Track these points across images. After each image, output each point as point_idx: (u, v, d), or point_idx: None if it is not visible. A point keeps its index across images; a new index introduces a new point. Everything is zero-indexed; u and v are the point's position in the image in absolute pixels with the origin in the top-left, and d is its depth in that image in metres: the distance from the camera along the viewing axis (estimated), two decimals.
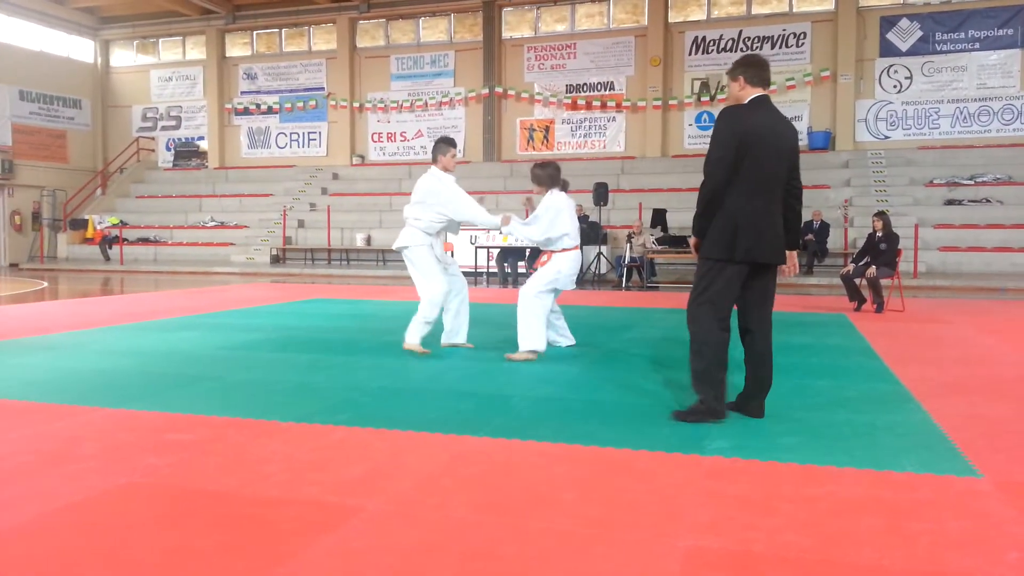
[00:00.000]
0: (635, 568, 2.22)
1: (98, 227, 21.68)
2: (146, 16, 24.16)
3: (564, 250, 5.66)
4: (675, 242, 15.01)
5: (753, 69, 3.83)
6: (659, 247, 14.40)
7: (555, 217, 5.58)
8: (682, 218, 17.05)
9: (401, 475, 3.03)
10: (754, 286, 3.85)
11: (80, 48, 24.67)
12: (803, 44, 19.41)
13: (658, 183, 19.13)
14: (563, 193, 5.74)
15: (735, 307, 3.91)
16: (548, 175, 5.73)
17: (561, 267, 5.65)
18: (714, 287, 3.78)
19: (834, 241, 15.92)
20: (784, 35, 19.53)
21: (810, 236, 15.53)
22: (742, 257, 3.70)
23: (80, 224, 22.30)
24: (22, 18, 22.40)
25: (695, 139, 20.23)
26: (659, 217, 16.15)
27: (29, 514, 2.61)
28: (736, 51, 19.80)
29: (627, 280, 13.81)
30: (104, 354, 5.93)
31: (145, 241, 21.64)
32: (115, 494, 2.81)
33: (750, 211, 3.70)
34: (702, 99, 20.06)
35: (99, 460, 3.21)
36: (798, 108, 19.47)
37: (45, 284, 14.70)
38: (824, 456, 3.25)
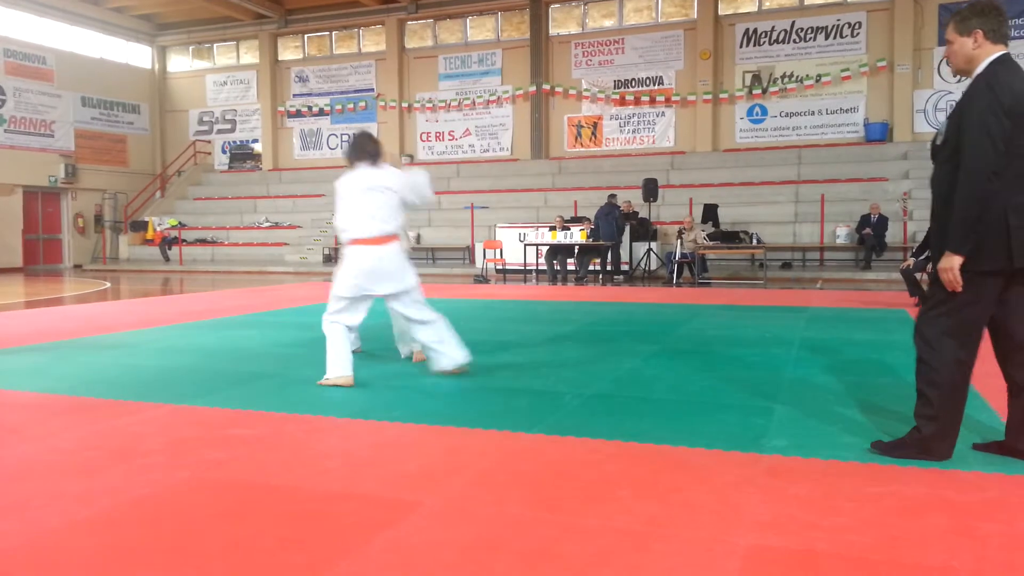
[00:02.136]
0: (695, 566, 2.19)
1: (158, 228, 22.32)
2: (201, 22, 24.74)
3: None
4: (727, 237, 14.81)
5: (993, 19, 2.96)
6: (711, 243, 14.22)
7: (338, 201, 4.67)
8: (734, 213, 16.86)
9: (456, 471, 3.05)
10: (1011, 298, 2.99)
11: (138, 54, 25.39)
12: (858, 34, 18.94)
13: (709, 178, 18.89)
14: (365, 167, 4.70)
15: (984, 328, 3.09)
16: (347, 148, 4.83)
17: (346, 270, 4.63)
18: (967, 306, 2.96)
19: (893, 235, 15.51)
20: (838, 25, 19.08)
21: (868, 230, 15.17)
22: (1014, 265, 2.89)
23: (140, 226, 22.99)
24: (84, 27, 23.15)
25: (747, 133, 19.91)
26: (710, 212, 15.95)
27: (97, 508, 2.70)
28: (788, 42, 19.44)
29: (678, 276, 13.67)
30: (166, 352, 6.10)
31: (203, 242, 22.19)
32: (180, 488, 2.89)
33: (1018, 206, 2.87)
34: (754, 92, 19.73)
35: (164, 455, 3.30)
36: (854, 99, 19.02)
37: (108, 284, 15.18)
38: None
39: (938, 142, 3.11)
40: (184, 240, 21.70)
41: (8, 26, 20.89)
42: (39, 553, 2.32)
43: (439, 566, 2.21)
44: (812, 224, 16.67)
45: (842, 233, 16.18)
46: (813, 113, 19.32)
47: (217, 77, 25.57)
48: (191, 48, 25.83)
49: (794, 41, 19.41)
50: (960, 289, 2.92)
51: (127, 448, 3.42)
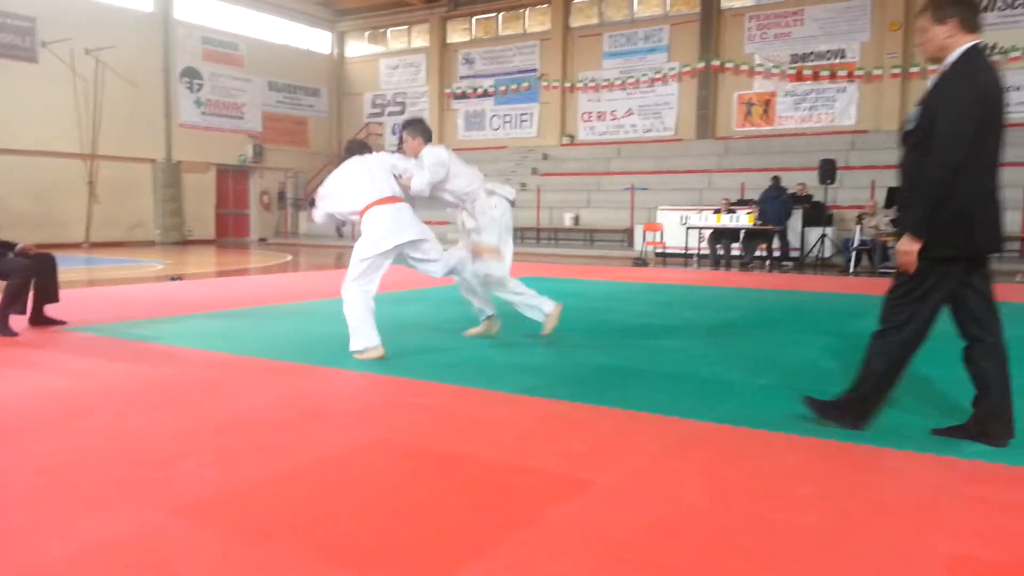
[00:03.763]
0: (894, 571, 2.06)
1: None
2: (376, 7, 25.86)
3: None
4: None
5: (969, 8, 3.02)
6: (894, 229, 13.21)
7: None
8: None
9: (627, 453, 3.04)
10: (975, 283, 3.12)
11: (319, 40, 26.91)
12: None
13: (894, 159, 17.47)
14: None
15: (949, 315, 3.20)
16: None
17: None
18: (931, 291, 3.08)
19: None
20: None
21: None
22: (978, 251, 3.07)
23: None
24: (271, 13, 24.77)
25: None
26: (895, 196, 14.83)
27: (296, 462, 2.91)
28: (993, 9, 17.62)
29: (856, 265, 12.84)
30: (344, 321, 6.46)
31: None
32: (371, 449, 3.07)
33: (983, 194, 3.02)
34: None
35: (352, 417, 3.52)
36: None
37: (290, 257, 16.32)
38: None
39: (908, 128, 3.11)
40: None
41: (206, 15, 22.75)
42: (243, 501, 2.54)
43: (620, 544, 2.20)
44: (1013, 211, 15.11)
45: None
46: (1019, 88, 17.44)
47: (390, 61, 26.66)
48: (367, 33, 27.07)
49: (1000, 8, 17.56)
50: (912, 271, 3.05)
51: (318, 408, 3.67)
